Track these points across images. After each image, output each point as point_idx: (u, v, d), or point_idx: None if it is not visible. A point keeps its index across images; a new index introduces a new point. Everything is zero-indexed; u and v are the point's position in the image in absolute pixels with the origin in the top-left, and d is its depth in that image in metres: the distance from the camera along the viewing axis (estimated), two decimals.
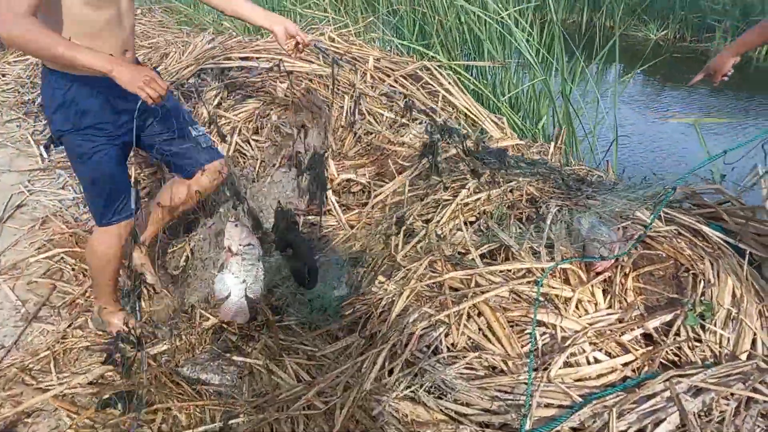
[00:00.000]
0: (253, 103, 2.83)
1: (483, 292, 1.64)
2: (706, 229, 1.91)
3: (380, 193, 2.39)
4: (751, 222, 1.96)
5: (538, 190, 2.18)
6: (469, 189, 2.16)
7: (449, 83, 3.10)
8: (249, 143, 2.70)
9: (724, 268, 1.73)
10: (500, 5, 3.64)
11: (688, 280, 1.71)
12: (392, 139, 2.67)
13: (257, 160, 2.63)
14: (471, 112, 2.94)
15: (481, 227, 2.07)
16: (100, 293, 1.93)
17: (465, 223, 2.08)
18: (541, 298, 1.61)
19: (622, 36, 11.20)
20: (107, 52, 1.50)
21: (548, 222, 1.93)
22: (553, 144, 2.50)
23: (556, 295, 1.66)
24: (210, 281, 1.90)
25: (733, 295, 1.67)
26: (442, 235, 2.02)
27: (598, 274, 1.71)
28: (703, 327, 1.59)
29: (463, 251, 2.00)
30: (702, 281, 1.69)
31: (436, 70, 3.13)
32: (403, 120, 2.78)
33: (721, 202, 2.18)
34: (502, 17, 3.47)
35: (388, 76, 3.06)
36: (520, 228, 1.99)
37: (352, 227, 2.34)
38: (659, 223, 1.91)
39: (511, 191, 2.17)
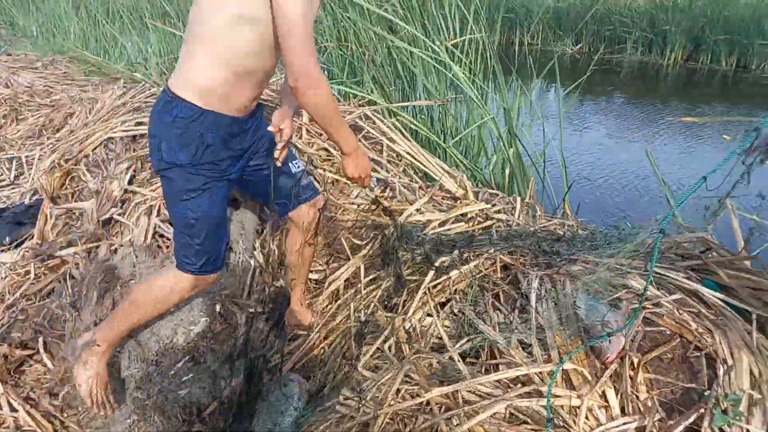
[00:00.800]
0: None
1: (475, 412, 1.35)
2: (703, 290, 1.72)
3: (336, 279, 2.08)
4: (746, 275, 1.80)
5: (512, 259, 1.93)
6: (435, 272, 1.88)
7: (392, 130, 2.84)
8: (170, 224, 2.32)
9: (735, 340, 1.53)
10: (433, 37, 3.45)
11: (701, 362, 1.50)
12: (339, 203, 2.37)
13: None
14: (422, 164, 2.68)
15: (454, 311, 1.80)
16: (110, 330, 1.71)
17: (436, 307, 1.81)
18: (551, 415, 1.34)
19: (541, 52, 11.56)
20: (247, 96, 1.58)
21: (533, 302, 1.68)
22: (519, 201, 2.28)
23: (561, 406, 1.39)
24: None
25: (751, 373, 1.47)
26: (411, 329, 1.73)
27: (606, 366, 1.46)
28: (729, 424, 1.37)
29: (437, 341, 1.72)
30: (716, 362, 1.48)
31: (376, 116, 2.87)
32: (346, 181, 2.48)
33: (704, 250, 2.01)
34: (436, 51, 3.26)
35: None
36: (499, 310, 1.74)
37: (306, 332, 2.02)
38: (653, 289, 1.71)
39: (482, 264, 1.91)
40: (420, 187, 2.52)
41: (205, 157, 1.57)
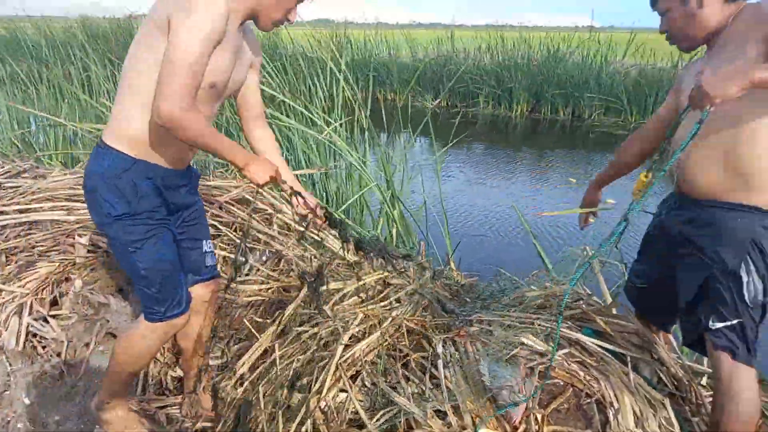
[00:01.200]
0: (46, 267, 2.23)
1: None
2: (584, 338, 1.92)
3: (242, 364, 2.01)
4: (616, 320, 2.04)
5: (415, 323, 2.02)
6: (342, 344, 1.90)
7: (281, 201, 2.85)
8: (47, 321, 2.11)
9: (617, 384, 1.73)
10: (311, 109, 3.55)
11: (592, 408, 1.67)
12: (234, 285, 2.31)
13: (63, 342, 2.05)
14: (314, 234, 2.71)
15: (366, 383, 1.83)
16: (111, 387, 1.79)
17: (350, 381, 1.82)
18: None
19: (403, 107, 12.25)
20: (179, 148, 1.60)
21: (440, 368, 1.77)
22: (412, 265, 2.39)
23: None
24: None
25: (634, 412, 1.67)
26: (327, 408, 1.72)
27: (516, 428, 1.57)
28: None
29: (354, 416, 1.73)
30: (605, 406, 1.66)
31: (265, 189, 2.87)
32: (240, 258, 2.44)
33: (576, 299, 2.25)
34: (317, 124, 3.37)
35: (211, 203, 2.70)
36: (411, 379, 1.79)
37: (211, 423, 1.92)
38: (543, 343, 1.87)
39: (387, 331, 1.97)
40: (314, 257, 2.54)
41: (141, 206, 1.57)
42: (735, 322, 1.52)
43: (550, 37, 11.53)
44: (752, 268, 1.48)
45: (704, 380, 2.02)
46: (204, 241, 1.86)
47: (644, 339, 1.98)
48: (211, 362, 2.14)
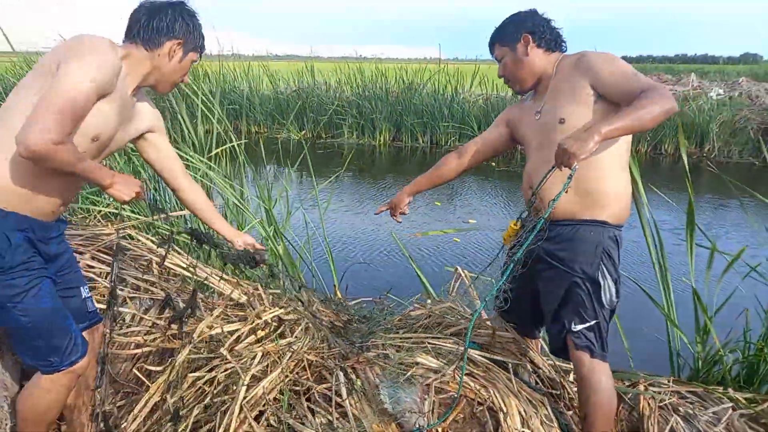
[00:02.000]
0: None
1: None
2: (471, 352, 2.10)
3: (132, 419, 1.90)
4: (494, 331, 2.25)
5: (315, 355, 2.06)
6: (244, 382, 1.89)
7: (160, 246, 2.75)
8: None
9: (503, 390, 1.92)
10: (185, 149, 3.47)
11: (485, 414, 1.83)
12: (116, 337, 2.19)
13: None
14: (198, 276, 2.64)
15: (272, 421, 1.83)
16: None
17: (255, 420, 1.81)
18: None
19: (269, 139, 12.20)
20: (54, 200, 1.58)
21: (344, 396, 1.83)
22: (304, 293, 2.43)
23: None
24: None
25: (520, 413, 1.86)
26: None
27: None
28: None
29: None
30: (496, 411, 1.83)
31: (140, 234, 2.74)
32: (121, 309, 2.32)
33: (459, 318, 2.44)
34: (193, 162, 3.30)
35: (82, 254, 2.53)
36: (315, 411, 1.83)
37: None
38: (435, 360, 2.02)
39: (288, 366, 1.99)
40: (202, 300, 2.48)
41: (16, 259, 1.51)
42: (593, 323, 1.77)
43: (404, 69, 12.23)
44: (606, 273, 1.76)
45: (572, 377, 2.29)
46: (81, 288, 1.82)
47: (520, 346, 2.22)
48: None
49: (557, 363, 2.27)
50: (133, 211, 3.24)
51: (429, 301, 2.77)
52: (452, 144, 11.53)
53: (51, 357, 1.61)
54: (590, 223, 1.78)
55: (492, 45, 1.97)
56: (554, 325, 1.88)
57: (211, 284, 2.69)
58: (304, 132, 12.35)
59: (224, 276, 2.84)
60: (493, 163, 10.09)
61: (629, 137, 1.82)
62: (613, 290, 1.79)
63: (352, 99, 11.93)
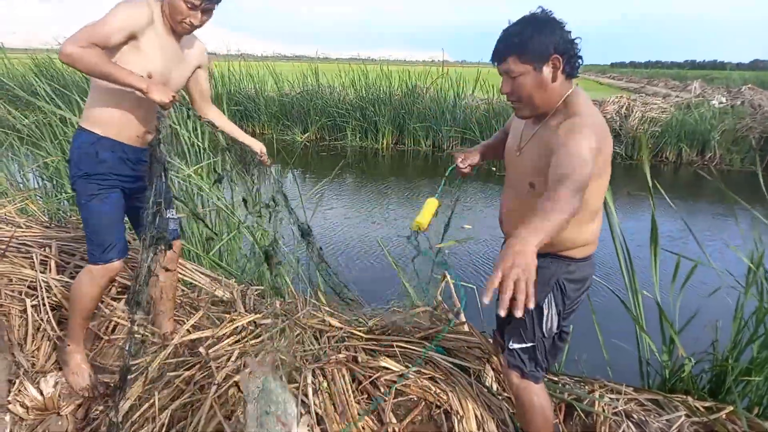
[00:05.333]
0: None
1: None
2: (435, 356, 2.20)
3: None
4: (463, 336, 2.35)
5: (289, 355, 2.17)
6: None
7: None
8: None
9: (462, 393, 2.02)
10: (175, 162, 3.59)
11: (441, 417, 1.94)
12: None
13: None
14: (186, 276, 2.76)
15: (240, 419, 1.94)
16: (71, 330, 2.23)
17: (226, 419, 1.92)
18: None
19: (273, 140, 12.34)
20: (136, 127, 2.09)
21: (310, 397, 1.94)
22: (278, 303, 2.54)
23: None
24: None
25: (476, 417, 1.96)
26: None
27: None
28: None
29: None
30: (452, 414, 1.93)
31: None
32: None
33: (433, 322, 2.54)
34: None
35: (73, 255, 2.66)
36: None
37: None
38: (397, 365, 2.12)
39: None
40: (191, 304, 2.60)
41: (99, 169, 2.04)
42: (530, 345, 1.80)
43: (408, 73, 12.31)
44: (552, 303, 1.77)
45: None
46: (167, 210, 2.12)
47: (485, 351, 2.32)
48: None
49: None
50: None
51: (407, 304, 2.87)
52: (453, 148, 11.60)
53: (94, 250, 2.10)
54: (549, 257, 1.78)
55: (505, 56, 1.57)
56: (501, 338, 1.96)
57: (197, 282, 2.81)
58: (308, 134, 12.48)
59: (210, 274, 2.96)
60: (494, 168, 10.17)
61: (604, 187, 1.67)
62: (555, 321, 1.78)
63: (356, 102, 12.05)
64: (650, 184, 2.70)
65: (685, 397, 2.43)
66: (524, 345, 1.80)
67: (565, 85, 1.61)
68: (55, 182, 4.36)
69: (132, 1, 1.91)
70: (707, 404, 2.41)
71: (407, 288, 3.39)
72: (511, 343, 1.82)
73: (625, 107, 11.32)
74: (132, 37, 1.91)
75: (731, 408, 2.32)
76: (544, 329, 1.78)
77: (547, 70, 1.55)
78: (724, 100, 11.29)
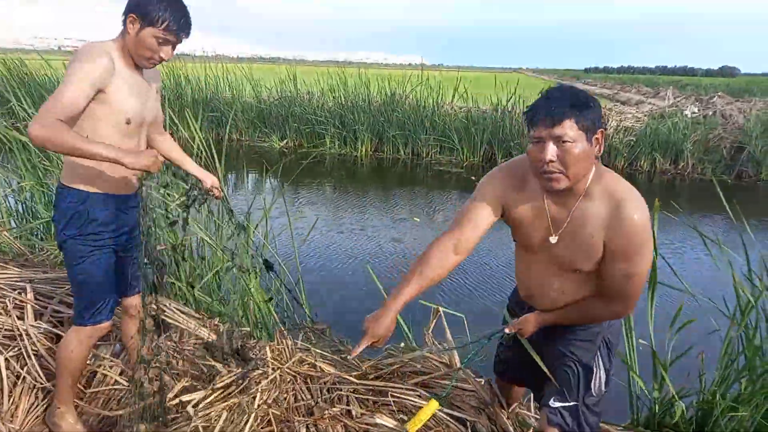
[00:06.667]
0: None
1: None
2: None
3: None
4: (461, 384, 2.32)
5: (279, 408, 2.11)
6: None
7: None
8: None
9: None
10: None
11: None
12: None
13: None
14: (169, 318, 2.67)
15: None
16: (60, 393, 2.16)
17: None
18: None
19: (250, 147, 12.19)
20: (121, 175, 1.98)
21: None
22: (268, 347, 2.47)
23: None
24: None
25: None
26: None
27: None
28: None
29: None
30: None
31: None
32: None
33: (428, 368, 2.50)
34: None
35: (51, 298, 2.55)
36: None
37: None
38: (391, 420, 2.08)
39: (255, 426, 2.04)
40: (174, 349, 2.52)
41: (90, 228, 1.95)
42: (572, 404, 1.79)
43: (387, 80, 12.28)
44: (600, 362, 1.78)
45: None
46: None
47: (480, 399, 2.29)
48: None
49: (515, 417, 2.35)
50: None
51: (402, 345, 2.83)
52: (433, 156, 11.62)
53: (83, 312, 2.03)
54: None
55: (563, 119, 1.44)
56: (537, 393, 1.96)
57: (180, 324, 2.72)
58: (286, 141, 12.35)
59: (193, 314, 2.87)
60: (473, 177, 10.20)
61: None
62: (604, 380, 1.79)
63: (335, 109, 11.97)
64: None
65: None
66: (567, 404, 1.79)
67: (594, 162, 1.56)
68: (26, 206, 4.21)
69: (87, 53, 1.77)
70: None
71: (400, 322, 3.34)
72: (552, 402, 1.81)
73: None
74: (99, 92, 1.81)
75: None
76: (593, 388, 1.79)
77: (595, 143, 1.50)
78: (696, 110, 11.53)
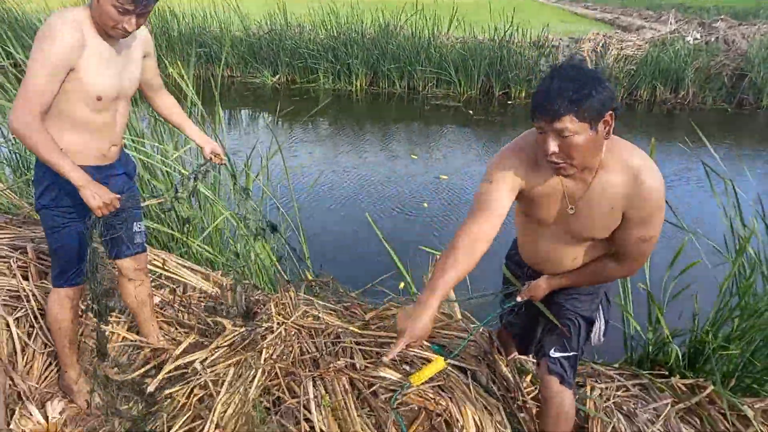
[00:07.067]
0: None
1: None
2: (432, 356, 2.23)
3: None
4: (453, 332, 2.39)
5: (285, 362, 2.18)
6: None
7: None
8: None
9: (461, 398, 2.06)
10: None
11: (442, 426, 1.98)
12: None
13: None
14: (173, 274, 2.71)
15: None
16: (61, 357, 2.22)
17: None
18: None
19: (242, 83, 11.91)
20: (96, 147, 1.95)
21: (314, 413, 1.96)
22: (272, 301, 2.51)
23: None
24: None
25: (475, 423, 2.01)
26: None
27: None
28: None
29: None
30: (451, 423, 1.98)
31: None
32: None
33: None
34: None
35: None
36: (286, 427, 1.97)
37: None
38: (393, 372, 2.15)
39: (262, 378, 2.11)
40: (180, 302, 2.56)
41: (65, 201, 1.94)
42: (572, 354, 1.89)
43: (381, 10, 11.82)
44: (602, 315, 1.88)
45: (528, 378, 2.45)
46: (135, 223, 2.24)
47: (480, 348, 2.36)
48: None
49: (516, 365, 2.43)
50: None
51: (402, 286, 2.88)
52: (430, 90, 11.39)
53: (60, 275, 2.07)
54: None
55: (561, 115, 1.43)
56: (536, 345, 2.03)
57: (183, 278, 2.76)
58: (278, 76, 12.04)
59: (197, 268, 2.91)
60: (471, 111, 10.06)
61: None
62: (603, 330, 1.91)
63: (328, 43, 11.59)
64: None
65: (668, 379, 2.54)
66: (567, 354, 1.87)
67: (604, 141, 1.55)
68: (20, 156, 4.15)
69: (53, 30, 1.69)
70: (689, 382, 2.54)
71: (400, 269, 3.36)
72: (553, 351, 1.89)
73: (601, 45, 11.16)
74: (70, 70, 1.75)
75: (712, 387, 2.44)
76: (592, 338, 1.90)
77: (602, 129, 1.48)
78: (698, 36, 11.19)
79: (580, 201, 1.64)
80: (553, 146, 1.47)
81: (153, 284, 2.71)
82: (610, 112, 1.47)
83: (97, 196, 1.79)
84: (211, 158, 2.33)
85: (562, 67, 1.47)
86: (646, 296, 2.75)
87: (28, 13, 11.02)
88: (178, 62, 3.85)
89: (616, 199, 1.58)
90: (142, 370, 2.33)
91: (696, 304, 2.79)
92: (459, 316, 2.62)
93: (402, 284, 3.25)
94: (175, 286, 2.77)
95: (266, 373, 2.16)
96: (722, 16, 14.00)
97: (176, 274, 2.79)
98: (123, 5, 1.70)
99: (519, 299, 1.96)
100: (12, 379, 2.17)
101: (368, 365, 2.19)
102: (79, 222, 1.98)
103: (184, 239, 3.27)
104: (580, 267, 1.81)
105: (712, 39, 11.21)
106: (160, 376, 2.13)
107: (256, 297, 2.75)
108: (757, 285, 2.64)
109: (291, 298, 2.65)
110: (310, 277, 3.43)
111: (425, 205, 5.69)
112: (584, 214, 1.65)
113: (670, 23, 12.78)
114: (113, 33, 1.80)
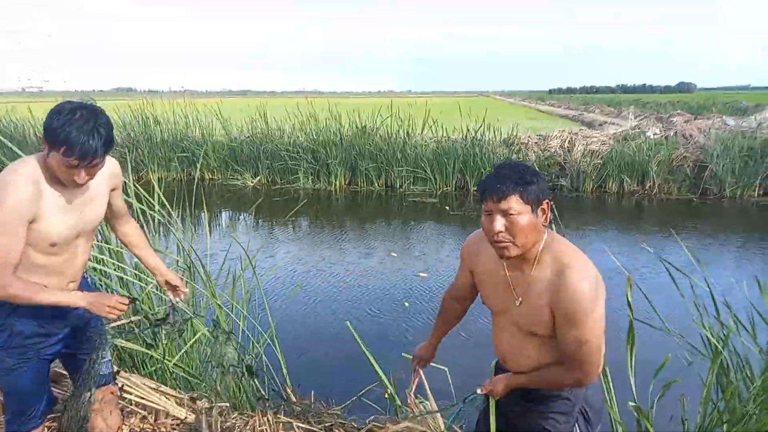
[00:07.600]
0: None
1: None
2: None
3: None
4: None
5: None
6: None
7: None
8: None
9: None
10: None
11: None
12: None
13: None
14: (143, 399, 2.59)
15: None
16: None
17: None
18: None
19: (223, 186, 12.10)
20: (55, 286, 1.84)
21: None
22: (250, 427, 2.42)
23: None
24: None
25: None
26: None
27: None
28: None
29: None
30: None
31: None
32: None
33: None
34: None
35: None
36: None
37: None
38: None
39: None
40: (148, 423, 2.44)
41: (15, 342, 1.86)
42: None
43: (357, 112, 12.36)
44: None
45: None
46: (93, 354, 2.09)
47: None
48: None
49: None
50: None
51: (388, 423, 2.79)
52: (407, 187, 11.69)
53: (13, 419, 1.97)
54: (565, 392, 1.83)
55: (507, 195, 1.58)
56: None
57: (155, 405, 2.65)
58: (259, 178, 12.30)
59: (170, 392, 2.80)
60: (447, 207, 10.29)
61: None
62: None
63: (307, 145, 11.99)
64: None
65: None
66: None
67: (543, 230, 1.69)
68: None
69: (7, 187, 1.65)
70: None
71: (381, 378, 3.27)
72: None
73: (567, 141, 11.72)
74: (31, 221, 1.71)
75: None
76: None
77: (540, 214, 1.63)
78: (657, 131, 11.86)
79: (523, 293, 1.71)
80: (499, 225, 1.60)
81: (122, 410, 2.59)
82: (547, 201, 1.63)
83: (101, 305, 1.77)
84: (171, 303, 2.27)
85: (506, 162, 1.67)
86: (636, 411, 2.70)
87: None
88: (159, 167, 3.90)
89: (544, 293, 1.64)
90: None
91: (684, 410, 2.74)
92: (442, 427, 2.53)
93: (387, 393, 3.15)
94: (146, 413, 2.65)
95: None
96: (678, 111, 14.95)
97: (147, 399, 2.68)
98: (68, 161, 1.65)
99: (479, 391, 1.92)
100: None
101: None
102: (34, 363, 1.91)
103: (159, 357, 3.18)
104: (537, 368, 1.79)
105: (671, 133, 11.88)
106: None
107: (233, 420, 2.64)
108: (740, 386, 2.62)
109: (270, 423, 2.56)
110: (289, 391, 3.32)
111: (406, 304, 5.65)
112: (525, 306, 1.72)
113: (631, 119, 13.57)
114: (69, 184, 1.75)
